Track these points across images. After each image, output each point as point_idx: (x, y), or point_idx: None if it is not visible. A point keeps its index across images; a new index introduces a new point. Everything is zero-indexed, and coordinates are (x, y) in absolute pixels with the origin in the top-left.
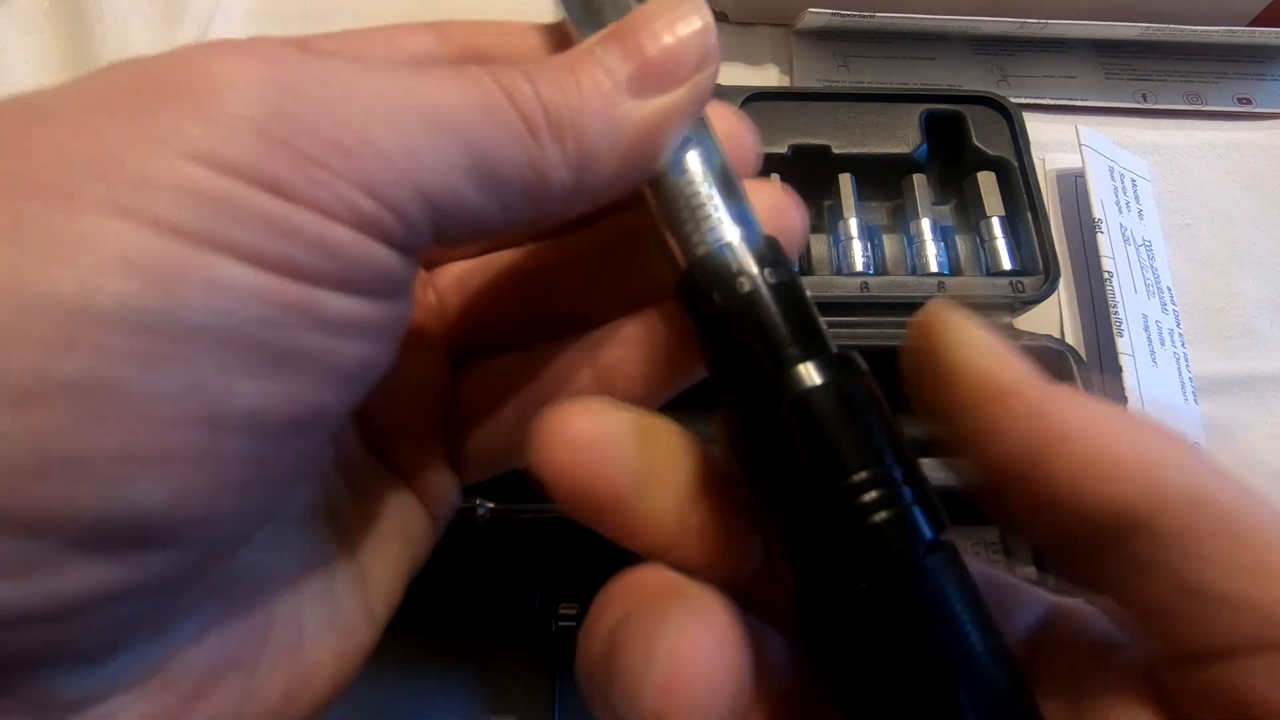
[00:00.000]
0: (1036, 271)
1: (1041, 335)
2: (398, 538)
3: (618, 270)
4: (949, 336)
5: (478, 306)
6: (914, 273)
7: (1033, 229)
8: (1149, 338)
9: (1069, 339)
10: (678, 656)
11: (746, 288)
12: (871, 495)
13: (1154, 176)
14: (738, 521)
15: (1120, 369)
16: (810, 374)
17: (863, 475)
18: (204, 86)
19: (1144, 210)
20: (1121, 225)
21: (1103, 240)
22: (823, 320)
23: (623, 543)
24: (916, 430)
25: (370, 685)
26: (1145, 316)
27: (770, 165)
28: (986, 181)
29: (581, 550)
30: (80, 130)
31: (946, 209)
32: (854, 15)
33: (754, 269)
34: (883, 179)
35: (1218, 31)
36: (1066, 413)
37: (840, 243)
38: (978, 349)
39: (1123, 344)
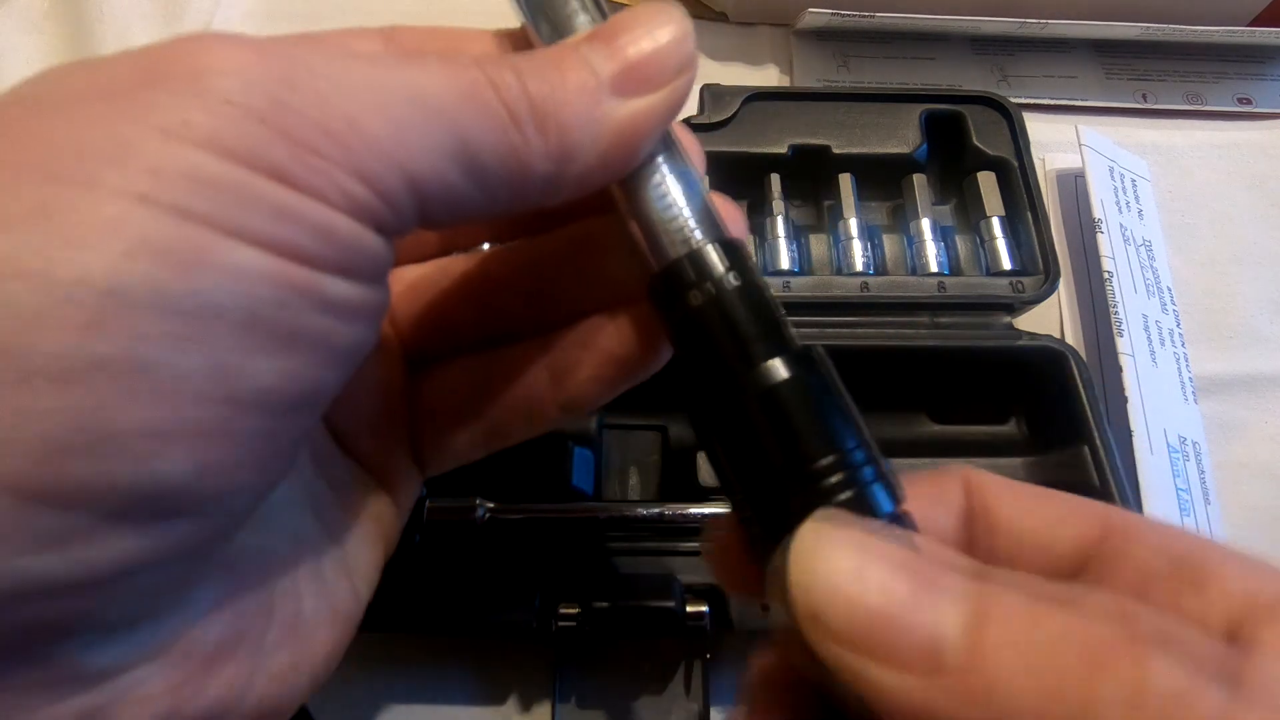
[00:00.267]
0: (1036, 271)
1: (1041, 335)
2: (372, 524)
3: (570, 276)
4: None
5: (433, 311)
6: (914, 273)
7: (1033, 229)
8: (1149, 338)
9: (1069, 339)
10: None
11: (716, 289)
12: (837, 478)
13: (1154, 176)
14: None
15: (1120, 369)
16: (777, 369)
17: (827, 460)
18: (201, 76)
19: (1144, 210)
20: (1121, 225)
21: (1103, 240)
22: (785, 315)
23: None
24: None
25: (370, 685)
26: (1145, 316)
27: (770, 165)
28: (986, 181)
29: (581, 550)
30: (92, 120)
31: (946, 209)
32: (854, 15)
33: (723, 271)
34: (883, 179)
35: (1218, 31)
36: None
37: (840, 243)
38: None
39: (1123, 344)
